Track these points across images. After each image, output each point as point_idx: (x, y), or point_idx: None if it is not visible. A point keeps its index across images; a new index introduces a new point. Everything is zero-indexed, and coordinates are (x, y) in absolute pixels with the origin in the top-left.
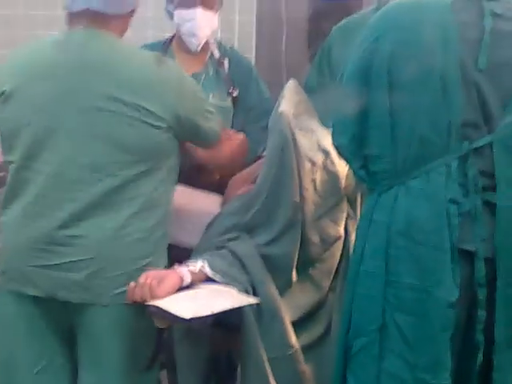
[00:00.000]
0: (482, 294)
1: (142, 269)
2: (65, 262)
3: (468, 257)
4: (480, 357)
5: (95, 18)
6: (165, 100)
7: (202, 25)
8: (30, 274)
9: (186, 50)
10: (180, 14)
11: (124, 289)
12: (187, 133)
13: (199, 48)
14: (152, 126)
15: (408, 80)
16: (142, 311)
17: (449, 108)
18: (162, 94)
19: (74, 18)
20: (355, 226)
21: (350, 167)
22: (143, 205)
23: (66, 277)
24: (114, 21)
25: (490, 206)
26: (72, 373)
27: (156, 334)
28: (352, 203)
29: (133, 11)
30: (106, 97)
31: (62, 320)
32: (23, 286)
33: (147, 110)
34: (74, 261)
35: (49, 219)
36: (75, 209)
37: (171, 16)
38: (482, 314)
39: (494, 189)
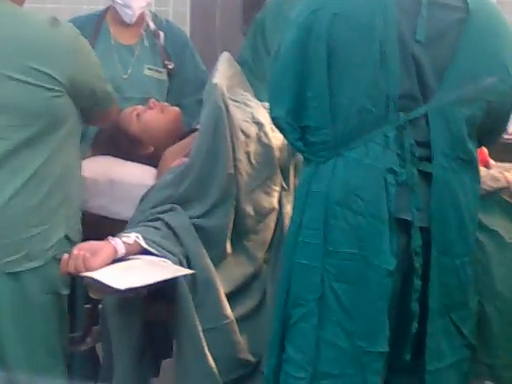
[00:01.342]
0: (417, 263)
1: (36, 237)
2: None
3: (404, 226)
4: (415, 325)
5: None
6: (60, 62)
7: None
8: None
9: (120, 21)
10: None
11: (15, 257)
12: (83, 97)
13: (134, 19)
14: (45, 88)
15: (346, 52)
16: (48, 283)
17: (387, 80)
18: (58, 56)
19: None
20: (289, 198)
21: (287, 139)
22: (36, 172)
23: None
24: None
25: (426, 176)
26: None
27: (79, 308)
28: (285, 175)
29: None
30: None
31: None
32: None
33: (40, 71)
34: None
35: None
36: None
37: None
38: (417, 282)
39: (429, 159)
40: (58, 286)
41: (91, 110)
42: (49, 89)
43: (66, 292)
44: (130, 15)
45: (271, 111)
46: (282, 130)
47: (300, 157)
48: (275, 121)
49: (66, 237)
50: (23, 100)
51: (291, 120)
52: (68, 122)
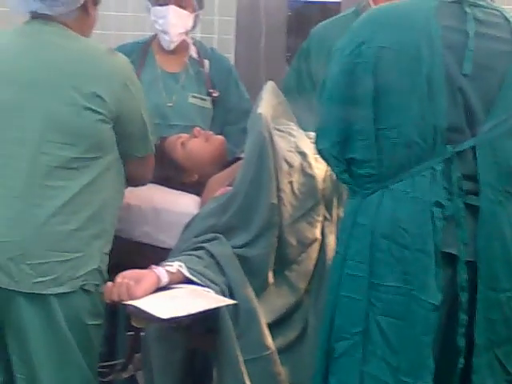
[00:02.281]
0: (463, 297)
1: (66, 263)
2: None
3: (450, 260)
4: (461, 360)
5: (45, 17)
6: (113, 86)
7: (174, 22)
8: None
9: (165, 49)
10: (155, 10)
11: (45, 279)
12: (124, 131)
13: (172, 46)
14: (93, 110)
15: (393, 85)
16: (74, 312)
17: (434, 112)
18: (111, 80)
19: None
20: (332, 229)
21: (333, 171)
22: (76, 195)
23: None
24: (64, 19)
25: (473, 210)
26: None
27: (110, 334)
28: (329, 206)
29: (85, 6)
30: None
31: None
32: None
33: (91, 92)
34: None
35: None
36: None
37: (149, 13)
38: (463, 317)
39: (476, 192)
40: (84, 315)
41: (127, 155)
42: (97, 112)
43: (93, 322)
44: (168, 41)
45: (317, 143)
46: (328, 162)
47: (343, 187)
48: (321, 153)
49: (98, 270)
50: (70, 118)
51: (337, 153)
52: (112, 152)
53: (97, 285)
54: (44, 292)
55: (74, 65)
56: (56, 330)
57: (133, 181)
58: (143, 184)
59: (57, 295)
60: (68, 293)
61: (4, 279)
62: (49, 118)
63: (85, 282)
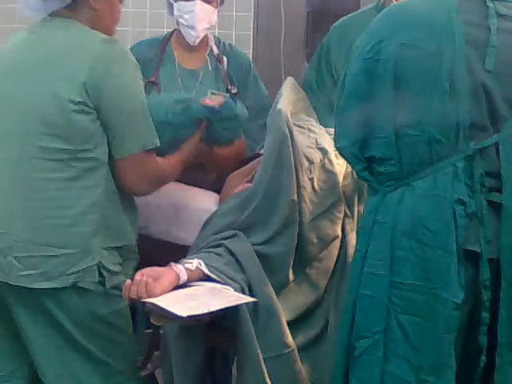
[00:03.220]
0: (486, 296)
1: (54, 258)
2: None
3: (472, 258)
4: (483, 359)
5: (56, 14)
6: (94, 75)
7: (201, 17)
8: None
9: (184, 46)
10: (180, 5)
11: (31, 272)
12: (104, 125)
13: (197, 41)
14: (76, 102)
15: (414, 82)
16: (73, 303)
17: (457, 109)
18: (94, 69)
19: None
20: (352, 226)
21: (353, 169)
22: (66, 190)
23: None
24: (71, 15)
25: (495, 207)
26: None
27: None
28: (349, 203)
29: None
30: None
31: None
32: None
33: (78, 82)
34: None
35: None
36: None
37: (171, 8)
38: (485, 316)
39: (499, 189)
40: (83, 313)
41: (111, 154)
42: (80, 102)
43: (96, 321)
44: (194, 36)
45: (336, 141)
46: (347, 161)
47: (364, 184)
48: (340, 151)
49: (98, 267)
50: (55, 110)
51: (356, 151)
52: (103, 145)
53: (98, 282)
54: (31, 286)
55: (62, 55)
56: (51, 325)
57: (122, 187)
58: (139, 193)
59: (47, 290)
60: (59, 289)
61: None
62: (34, 109)
63: (78, 280)
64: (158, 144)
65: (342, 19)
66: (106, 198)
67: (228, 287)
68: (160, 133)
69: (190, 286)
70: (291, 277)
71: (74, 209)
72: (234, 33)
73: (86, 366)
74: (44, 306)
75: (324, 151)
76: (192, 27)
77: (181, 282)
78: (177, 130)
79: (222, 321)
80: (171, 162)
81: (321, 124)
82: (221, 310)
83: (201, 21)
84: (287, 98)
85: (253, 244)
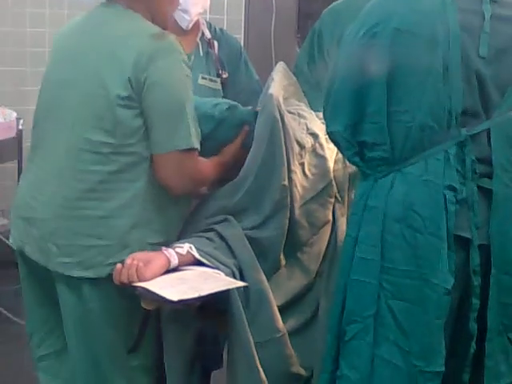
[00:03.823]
0: (476, 282)
1: (93, 248)
2: (32, 217)
3: (463, 244)
4: (473, 345)
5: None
6: (137, 70)
7: (195, 1)
8: (15, 222)
9: (176, 30)
10: None
11: (69, 260)
12: (145, 120)
13: (190, 25)
14: (121, 96)
15: (408, 67)
16: (109, 293)
17: (450, 95)
18: (138, 64)
19: None
20: (343, 211)
21: (343, 154)
22: (105, 182)
23: (29, 232)
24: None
25: (486, 193)
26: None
27: (135, 316)
28: (340, 187)
29: None
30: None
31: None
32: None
33: (124, 77)
34: (36, 218)
35: (32, 174)
36: (45, 164)
37: None
38: (475, 302)
39: (489, 175)
40: (111, 304)
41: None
42: (125, 97)
43: (127, 305)
44: (188, 20)
45: (328, 126)
46: (338, 145)
47: (355, 169)
48: (332, 136)
49: None
50: (101, 102)
51: (348, 135)
52: (146, 140)
53: None
54: (68, 273)
55: (112, 46)
56: (82, 309)
57: (163, 184)
58: (175, 191)
59: (85, 279)
60: (97, 279)
61: (38, 255)
62: (87, 100)
63: None
64: (195, 146)
65: (334, 4)
66: (147, 193)
67: (219, 271)
68: (202, 125)
69: (181, 270)
70: (282, 261)
71: (113, 201)
72: (225, 18)
73: (107, 357)
74: (79, 291)
75: (315, 136)
76: (186, 11)
77: (172, 266)
78: (218, 125)
79: (212, 305)
80: (211, 164)
81: (311, 109)
82: (211, 294)
83: (195, 5)
84: (278, 83)
85: (244, 229)
